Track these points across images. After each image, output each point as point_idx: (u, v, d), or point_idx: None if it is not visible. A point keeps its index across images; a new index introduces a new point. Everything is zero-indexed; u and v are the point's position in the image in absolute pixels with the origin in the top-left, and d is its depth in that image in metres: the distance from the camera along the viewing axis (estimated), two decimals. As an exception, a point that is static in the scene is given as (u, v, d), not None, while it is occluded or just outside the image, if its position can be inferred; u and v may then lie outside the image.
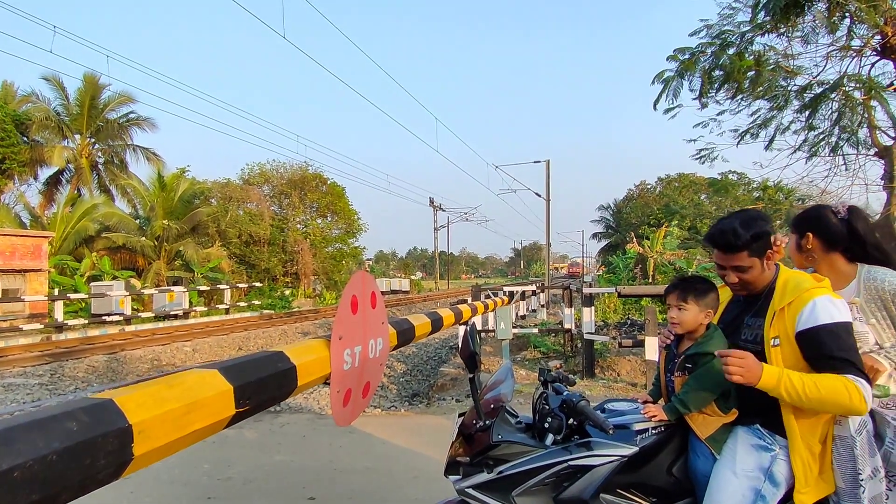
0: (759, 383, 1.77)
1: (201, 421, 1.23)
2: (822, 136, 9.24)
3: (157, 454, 1.13)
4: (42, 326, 15.56)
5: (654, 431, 2.01)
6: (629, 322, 13.20)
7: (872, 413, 1.89)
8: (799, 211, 2.35)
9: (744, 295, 2.07)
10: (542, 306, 19.38)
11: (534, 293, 18.68)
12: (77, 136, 29.96)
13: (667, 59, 9.05)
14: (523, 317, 17.27)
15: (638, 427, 2.00)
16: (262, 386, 1.46)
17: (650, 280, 16.94)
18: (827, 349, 1.77)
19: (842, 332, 1.78)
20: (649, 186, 54.41)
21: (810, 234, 2.19)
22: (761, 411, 1.89)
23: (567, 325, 10.22)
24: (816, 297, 1.82)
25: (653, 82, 9.19)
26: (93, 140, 30.63)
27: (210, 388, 1.27)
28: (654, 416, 2.02)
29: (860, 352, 1.97)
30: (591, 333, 8.67)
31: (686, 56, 8.85)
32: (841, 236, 2.14)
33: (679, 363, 2.05)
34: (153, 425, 1.09)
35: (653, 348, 7.04)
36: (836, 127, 9.00)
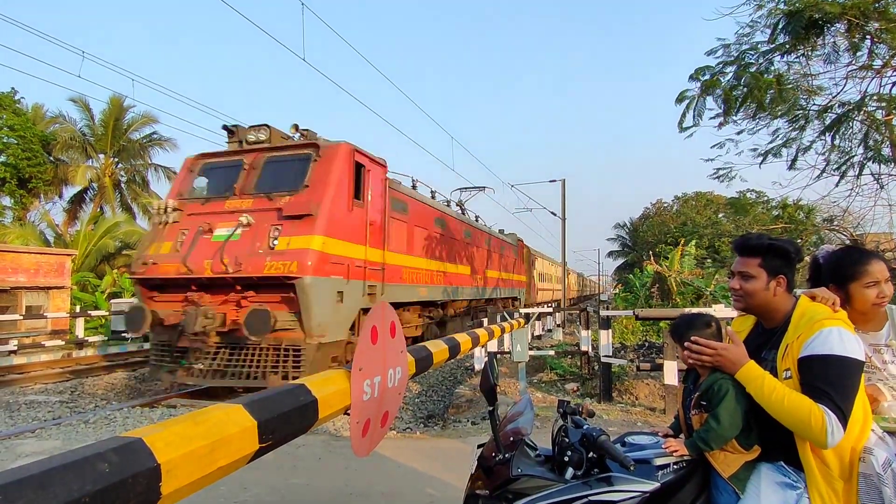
0: (737, 375, 1.90)
1: (226, 458, 1.24)
2: (844, 157, 9.13)
3: (183, 492, 1.14)
4: (63, 343, 15.79)
5: (675, 467, 1.98)
6: (647, 344, 13.02)
7: None
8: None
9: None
10: (558, 326, 19.24)
11: (549, 313, 18.56)
12: (101, 156, 30.74)
13: (689, 78, 9.03)
14: (539, 337, 17.14)
15: (659, 462, 1.97)
16: (285, 420, 1.48)
17: (668, 300, 16.72)
18: (812, 377, 1.77)
19: (835, 364, 1.76)
20: (666, 205, 54.01)
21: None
22: (785, 447, 1.86)
23: (584, 348, 10.11)
24: (824, 328, 1.81)
25: (676, 102, 9.16)
26: (116, 159, 31.40)
27: (234, 424, 1.29)
28: (676, 451, 1.99)
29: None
30: (609, 356, 8.57)
31: (707, 76, 8.84)
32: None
33: (695, 400, 2.03)
34: (180, 464, 1.11)
35: (672, 372, 6.94)
36: (860, 147, 8.90)
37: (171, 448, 1.10)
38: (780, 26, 8.20)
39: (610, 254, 61.53)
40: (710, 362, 1.98)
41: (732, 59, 8.87)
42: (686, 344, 2.04)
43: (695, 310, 2.40)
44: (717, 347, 1.97)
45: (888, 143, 8.85)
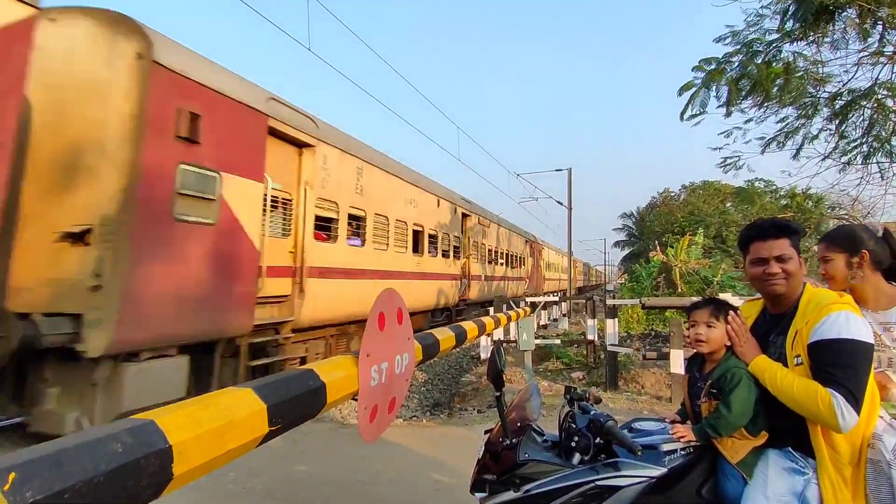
0: (751, 366, 1.95)
1: (236, 440, 1.26)
2: (853, 145, 9.04)
3: (194, 473, 1.16)
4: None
5: (682, 452, 1.98)
6: (653, 333, 13.02)
7: None
8: (839, 227, 2.32)
9: (781, 292, 1.99)
10: (564, 315, 19.24)
11: (555, 303, 18.58)
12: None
13: (692, 69, 8.97)
14: (545, 326, 17.16)
15: (666, 448, 1.98)
16: (294, 404, 1.49)
17: (675, 289, 16.68)
18: (822, 362, 1.78)
19: (843, 347, 1.76)
20: (673, 194, 53.67)
21: (867, 253, 2.16)
22: (793, 433, 1.86)
23: (590, 337, 10.12)
24: (832, 313, 1.81)
25: (679, 93, 9.10)
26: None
27: (245, 407, 1.30)
28: (683, 437, 1.99)
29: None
30: (615, 345, 8.57)
31: (712, 66, 8.75)
32: (886, 256, 2.16)
33: (705, 388, 2.03)
34: (191, 446, 1.12)
35: (678, 361, 6.93)
36: (869, 135, 8.80)
37: (182, 430, 1.11)
38: (789, 12, 8.09)
39: (616, 244, 61.40)
40: (737, 342, 2.02)
41: (739, 47, 8.77)
42: (731, 315, 2.06)
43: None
44: (748, 336, 2.02)
45: None
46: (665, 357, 7.60)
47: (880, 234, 2.19)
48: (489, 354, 2.37)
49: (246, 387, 1.38)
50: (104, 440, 0.96)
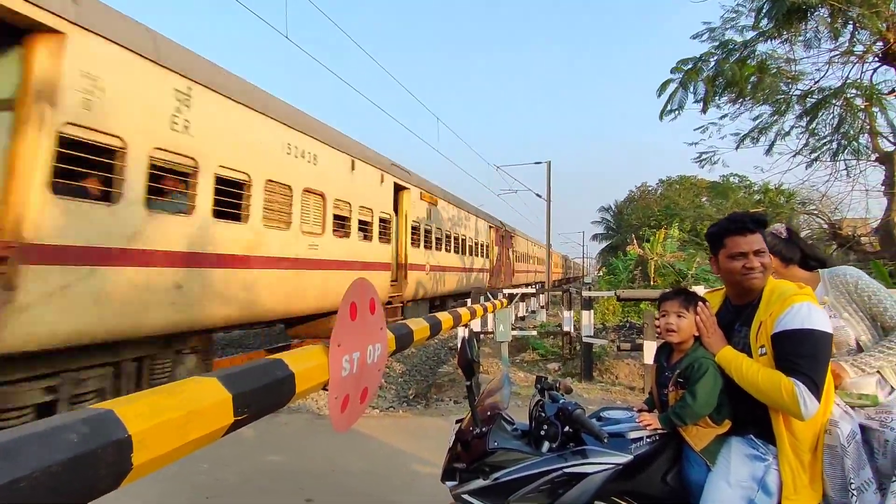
0: (718, 357, 2.01)
1: (200, 430, 1.24)
2: (823, 142, 9.27)
3: (156, 463, 1.14)
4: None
5: (648, 440, 2.02)
6: (628, 325, 13.21)
7: (861, 424, 1.92)
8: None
9: (761, 286, 2.03)
10: (542, 307, 19.41)
11: (533, 294, 18.71)
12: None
13: (671, 70, 9.13)
14: (523, 318, 17.28)
15: (633, 435, 2.02)
16: (261, 394, 1.48)
17: (650, 282, 16.91)
18: (785, 352, 1.84)
19: (805, 337, 1.82)
20: (650, 188, 54.31)
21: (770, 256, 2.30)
22: (756, 421, 1.91)
23: (566, 328, 10.22)
24: (794, 304, 1.87)
25: (658, 94, 9.26)
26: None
27: (209, 396, 1.29)
28: (649, 425, 2.04)
29: (841, 352, 2.07)
30: (590, 336, 8.68)
31: (689, 66, 8.90)
32: (794, 252, 2.37)
33: (672, 378, 2.07)
34: (152, 435, 1.11)
35: (651, 352, 7.05)
36: (838, 133, 9.02)
37: (142, 419, 1.09)
38: (763, 10, 8.24)
39: (595, 237, 61.92)
40: (705, 333, 2.07)
41: (716, 45, 8.93)
42: (700, 306, 2.11)
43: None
44: (715, 327, 2.08)
45: (866, 130, 8.99)
46: (639, 348, 7.73)
47: (784, 235, 2.41)
48: (460, 344, 2.39)
49: (211, 376, 1.36)
50: (60, 430, 0.95)
